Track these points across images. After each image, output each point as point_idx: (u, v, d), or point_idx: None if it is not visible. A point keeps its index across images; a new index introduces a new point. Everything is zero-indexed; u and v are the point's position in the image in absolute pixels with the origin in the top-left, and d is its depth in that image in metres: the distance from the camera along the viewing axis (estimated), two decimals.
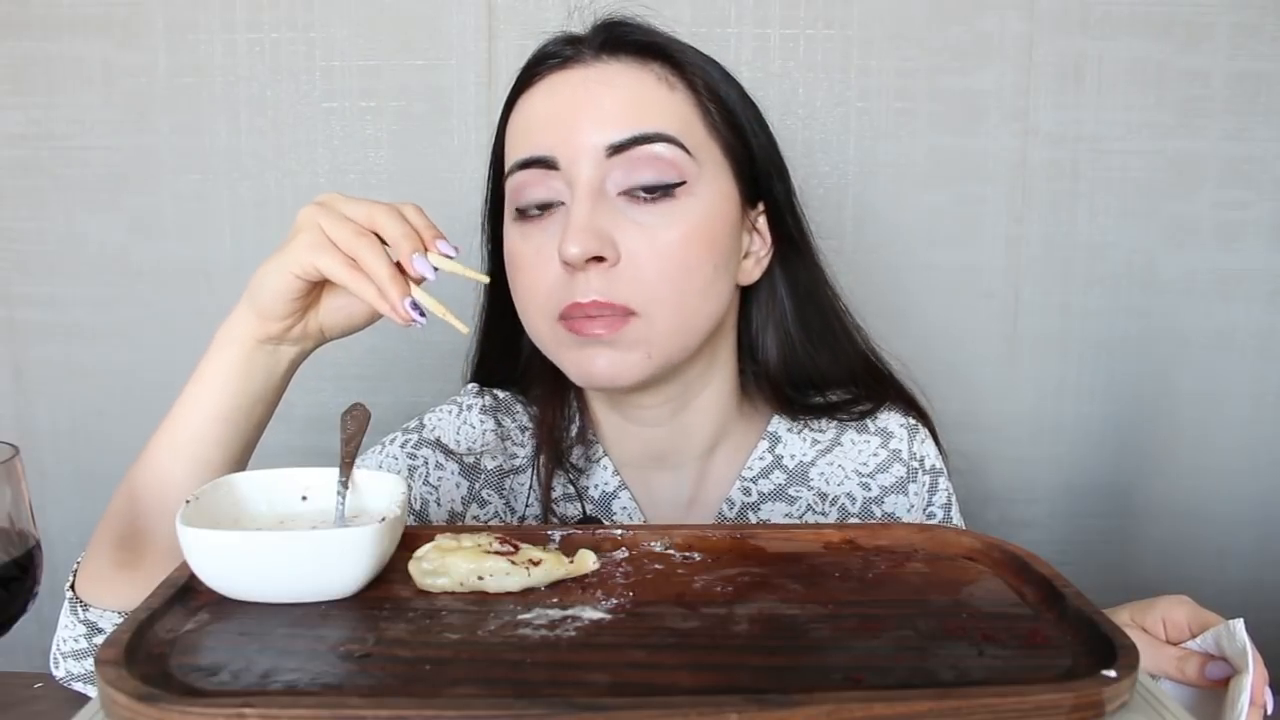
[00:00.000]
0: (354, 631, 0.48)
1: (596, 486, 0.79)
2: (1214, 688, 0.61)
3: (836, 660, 0.45)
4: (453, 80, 1.11)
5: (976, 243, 1.15)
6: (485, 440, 0.81)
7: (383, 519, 0.53)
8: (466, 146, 1.12)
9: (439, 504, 0.79)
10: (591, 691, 0.42)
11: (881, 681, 0.43)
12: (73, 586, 0.70)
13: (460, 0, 1.10)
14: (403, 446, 0.81)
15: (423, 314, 0.60)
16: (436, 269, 0.61)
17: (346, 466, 0.60)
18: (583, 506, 0.78)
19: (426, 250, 0.61)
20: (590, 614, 0.50)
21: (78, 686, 0.71)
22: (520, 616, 0.50)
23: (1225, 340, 1.16)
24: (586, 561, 0.55)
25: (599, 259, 0.67)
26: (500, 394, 0.84)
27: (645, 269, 0.68)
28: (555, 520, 0.77)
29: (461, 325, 0.63)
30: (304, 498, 0.59)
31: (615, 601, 0.52)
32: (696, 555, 0.58)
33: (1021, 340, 1.17)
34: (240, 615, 0.50)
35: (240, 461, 0.69)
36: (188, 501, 0.54)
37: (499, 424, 0.82)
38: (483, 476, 0.80)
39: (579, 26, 0.74)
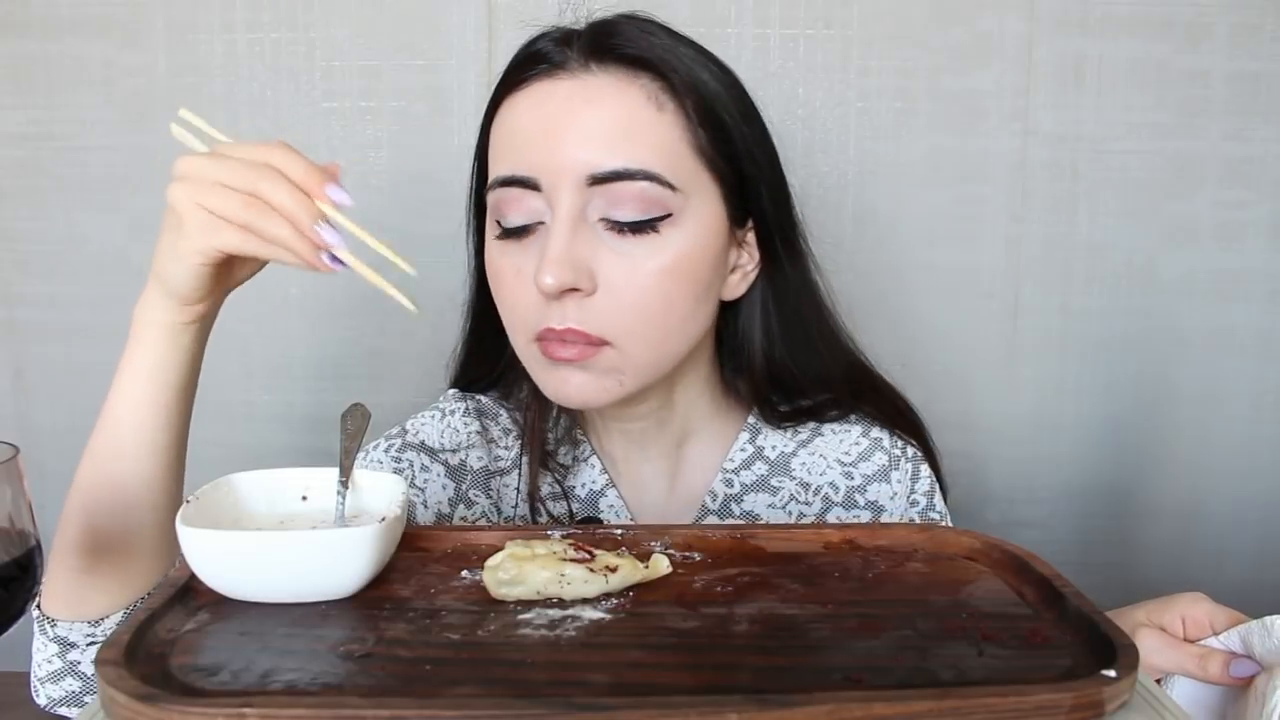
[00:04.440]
0: (354, 631, 0.48)
1: (584, 485, 0.79)
2: (1237, 685, 0.60)
3: (836, 660, 0.45)
4: (453, 80, 1.11)
5: (976, 243, 1.15)
6: (470, 441, 0.80)
7: (383, 519, 0.53)
8: (466, 147, 1.10)
9: (425, 506, 0.78)
10: (591, 691, 0.42)
11: (881, 681, 0.43)
12: (39, 606, 0.68)
13: (460, 0, 1.10)
14: (386, 451, 0.80)
15: (340, 260, 0.59)
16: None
17: (346, 467, 0.60)
18: (569, 506, 0.78)
19: (329, 182, 0.59)
20: (590, 614, 0.50)
21: (62, 711, 0.70)
22: (520, 616, 0.50)
23: (1225, 340, 1.16)
24: (660, 565, 0.55)
25: (574, 289, 0.66)
26: (482, 399, 0.83)
27: (622, 300, 0.67)
28: (544, 520, 0.77)
29: (386, 286, 0.60)
30: (304, 498, 0.59)
31: (615, 601, 0.52)
32: (696, 555, 0.58)
33: (1021, 340, 1.17)
34: (240, 615, 0.50)
35: (185, 435, 0.68)
36: (188, 501, 0.54)
37: (483, 427, 0.81)
38: (469, 477, 0.80)
39: (575, 20, 0.71)
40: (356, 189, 1.00)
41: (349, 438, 0.65)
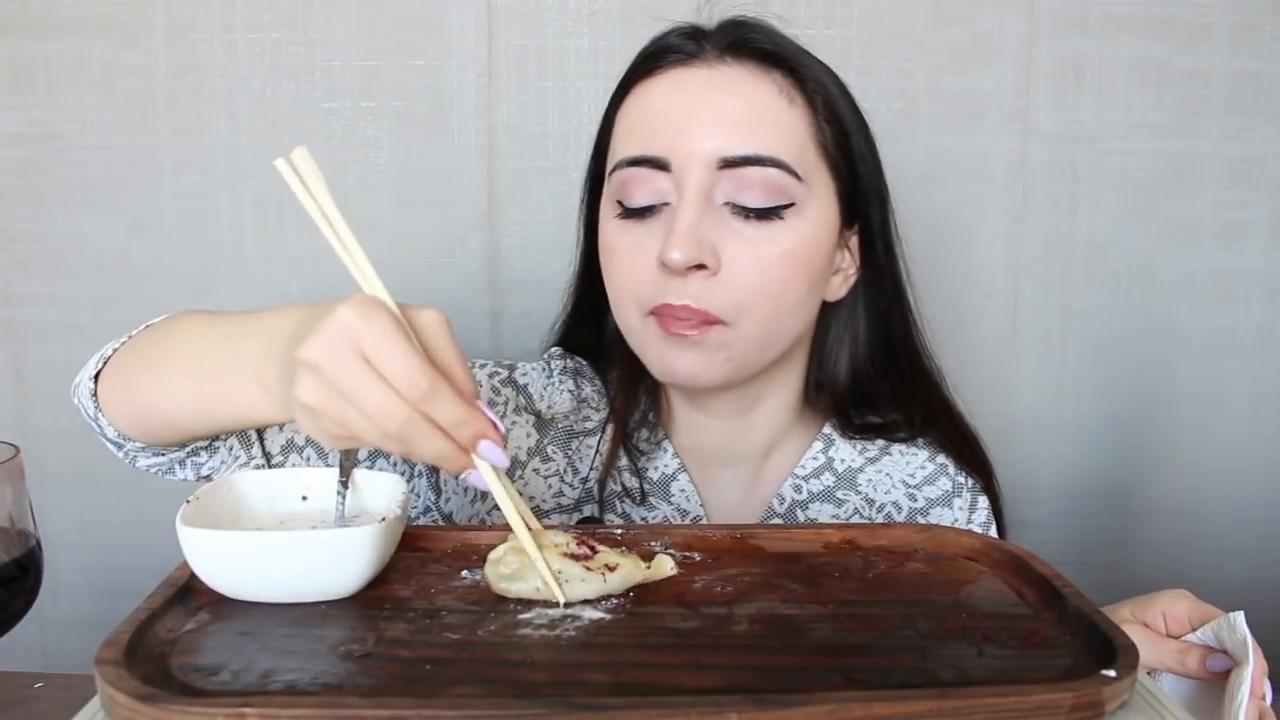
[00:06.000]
0: (354, 631, 0.48)
1: (657, 469, 0.80)
2: (1214, 680, 0.62)
3: (836, 660, 0.45)
4: (453, 80, 1.11)
5: (976, 243, 1.14)
6: (563, 402, 0.82)
7: (383, 519, 0.53)
8: (466, 146, 1.12)
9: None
10: (591, 691, 0.42)
11: (881, 681, 0.43)
12: (97, 376, 0.66)
13: (460, 0, 1.10)
14: (490, 377, 0.81)
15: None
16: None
17: (346, 467, 0.60)
18: (641, 486, 0.79)
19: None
20: (590, 614, 0.50)
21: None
22: (520, 616, 0.50)
23: (1225, 340, 1.16)
24: (664, 566, 0.55)
25: (700, 266, 0.68)
26: (582, 361, 0.86)
27: (742, 281, 0.69)
28: (615, 489, 0.78)
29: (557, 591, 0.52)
30: (304, 498, 0.60)
31: (615, 601, 0.52)
32: (696, 555, 0.58)
33: (1021, 340, 1.16)
34: (240, 615, 0.50)
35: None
36: (188, 501, 0.54)
37: (578, 386, 0.83)
38: (552, 433, 0.81)
39: (704, 19, 0.74)
40: (356, 189, 1.01)
41: None
